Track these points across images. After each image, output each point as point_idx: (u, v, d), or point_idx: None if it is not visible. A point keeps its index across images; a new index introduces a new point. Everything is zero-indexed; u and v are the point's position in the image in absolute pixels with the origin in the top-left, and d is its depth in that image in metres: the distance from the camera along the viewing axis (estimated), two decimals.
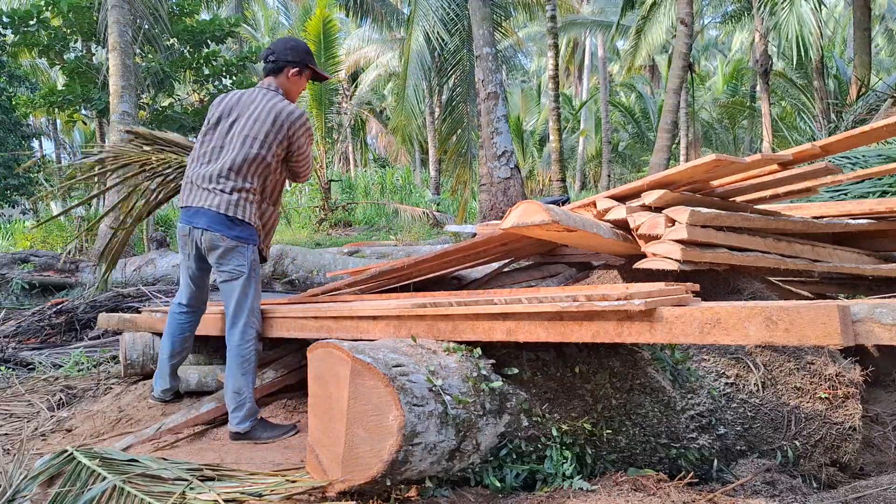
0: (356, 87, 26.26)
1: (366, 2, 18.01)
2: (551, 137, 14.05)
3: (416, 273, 3.43)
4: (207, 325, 3.36)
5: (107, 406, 3.60)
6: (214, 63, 14.33)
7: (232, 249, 2.87)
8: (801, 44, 11.24)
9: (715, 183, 2.92)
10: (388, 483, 1.79)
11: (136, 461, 2.10)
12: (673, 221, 2.45)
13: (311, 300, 3.48)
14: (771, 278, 3.38)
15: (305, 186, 18.07)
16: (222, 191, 2.86)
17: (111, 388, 3.97)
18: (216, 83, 14.87)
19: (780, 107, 21.99)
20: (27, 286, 7.32)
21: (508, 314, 1.98)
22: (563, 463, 2.02)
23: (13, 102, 15.34)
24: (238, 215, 2.86)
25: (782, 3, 11.60)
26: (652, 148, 15.51)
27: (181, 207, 2.98)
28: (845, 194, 5.21)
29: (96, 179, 3.88)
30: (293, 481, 1.88)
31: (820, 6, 11.59)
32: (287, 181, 3.21)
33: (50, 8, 12.63)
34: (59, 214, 14.83)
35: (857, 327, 1.50)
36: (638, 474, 2.05)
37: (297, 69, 3.12)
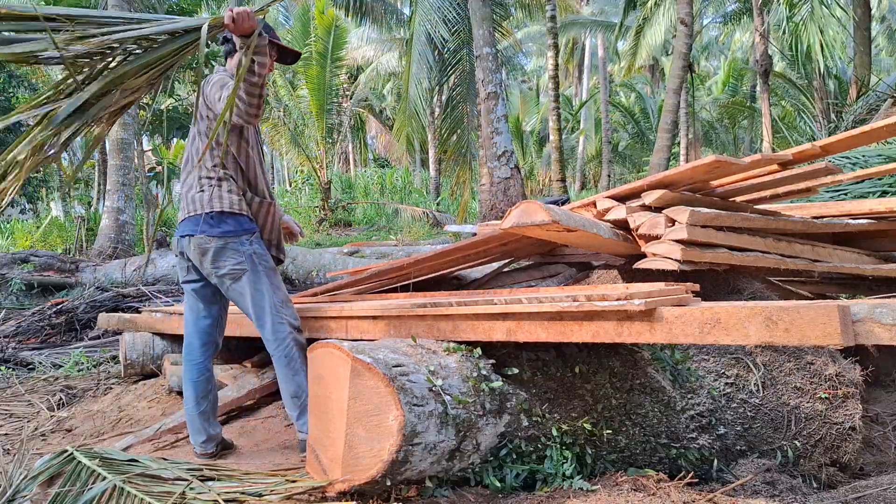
0: (356, 86, 26.26)
1: (365, 2, 18.00)
2: (551, 137, 14.05)
3: (416, 273, 3.43)
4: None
5: (107, 406, 3.60)
6: (215, 63, 14.33)
7: (223, 248, 2.52)
8: (822, 48, 11.16)
9: (715, 183, 2.92)
10: (388, 483, 1.79)
11: (136, 461, 2.10)
12: (673, 221, 2.45)
13: (311, 300, 3.48)
14: (771, 278, 3.38)
15: (305, 187, 18.07)
16: (189, 190, 2.59)
17: (111, 388, 3.97)
18: None
19: (781, 107, 22.00)
20: (27, 286, 7.31)
21: (508, 314, 1.98)
22: (563, 463, 2.02)
23: (13, 103, 15.34)
24: (216, 208, 2.52)
25: (801, 6, 11.53)
26: (652, 148, 15.52)
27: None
28: (845, 194, 5.21)
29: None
30: (293, 481, 1.89)
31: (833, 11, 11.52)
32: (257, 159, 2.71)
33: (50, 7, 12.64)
34: None
35: (857, 327, 1.50)
36: (638, 474, 2.05)
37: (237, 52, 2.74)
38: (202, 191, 2.55)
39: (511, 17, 19.63)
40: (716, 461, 2.30)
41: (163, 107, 15.05)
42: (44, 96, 2.19)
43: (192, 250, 2.54)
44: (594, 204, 2.76)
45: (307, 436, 2.27)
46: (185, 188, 2.64)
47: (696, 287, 2.02)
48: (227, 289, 2.57)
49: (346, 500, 1.78)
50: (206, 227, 2.51)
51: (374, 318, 2.43)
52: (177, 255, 2.68)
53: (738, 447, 2.38)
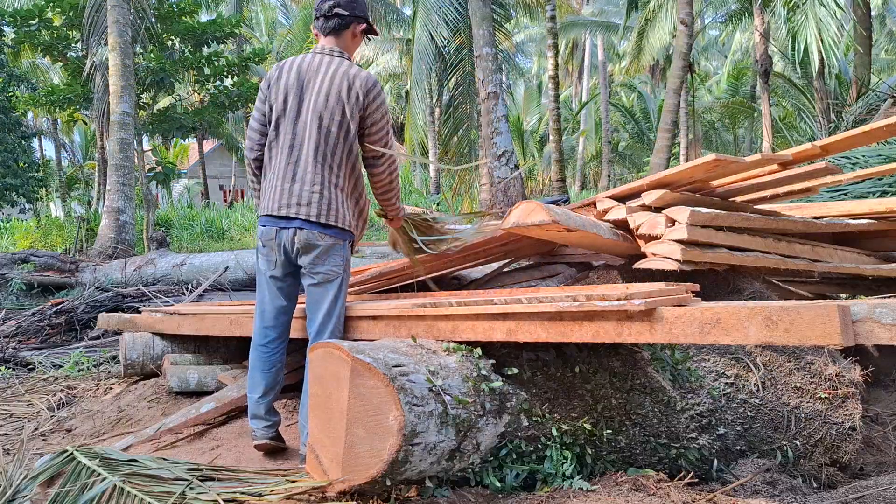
0: None
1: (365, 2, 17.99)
2: (551, 137, 14.06)
3: (417, 273, 3.43)
4: (209, 326, 3.36)
5: (107, 406, 3.60)
6: (216, 63, 14.33)
7: (330, 248, 2.46)
8: (821, 49, 11.15)
9: (715, 183, 2.92)
10: (388, 483, 1.79)
11: (136, 461, 2.10)
12: (673, 221, 2.45)
13: None
14: (771, 278, 3.39)
15: None
16: (311, 192, 2.44)
17: (111, 388, 3.97)
18: (217, 83, 14.86)
19: (781, 107, 22.00)
20: (27, 286, 7.31)
21: (508, 314, 1.98)
22: (563, 463, 2.02)
23: (13, 102, 15.35)
24: (331, 221, 2.44)
25: (801, 5, 11.51)
26: (652, 148, 15.52)
27: (265, 215, 2.52)
28: (845, 194, 5.21)
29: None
30: (293, 481, 1.89)
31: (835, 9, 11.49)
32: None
33: (51, 6, 12.65)
34: None
35: (857, 327, 1.50)
36: (638, 474, 2.05)
37: (364, 25, 2.61)
38: (322, 193, 2.45)
39: (513, 20, 19.62)
40: (716, 461, 2.30)
41: (163, 106, 15.06)
42: None
43: (297, 242, 2.44)
44: (594, 204, 2.77)
45: None
46: (298, 180, 2.46)
47: (696, 287, 2.02)
48: (314, 286, 2.49)
49: (346, 500, 1.78)
50: (319, 225, 2.44)
51: (374, 318, 2.43)
52: (264, 246, 2.52)
53: (738, 447, 2.38)
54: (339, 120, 2.45)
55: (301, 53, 2.78)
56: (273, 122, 2.52)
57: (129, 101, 10.37)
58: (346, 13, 2.53)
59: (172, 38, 13.98)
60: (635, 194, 2.66)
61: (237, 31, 14.94)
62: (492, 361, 2.09)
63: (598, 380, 2.23)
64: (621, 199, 2.70)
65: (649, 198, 2.54)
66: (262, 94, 2.58)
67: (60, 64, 14.59)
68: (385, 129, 2.56)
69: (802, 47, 11.47)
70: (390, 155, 2.59)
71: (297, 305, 2.71)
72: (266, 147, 2.56)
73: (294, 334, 2.77)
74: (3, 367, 4.61)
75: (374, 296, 3.39)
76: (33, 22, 12.78)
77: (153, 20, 12.20)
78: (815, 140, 4.46)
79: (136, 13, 11.61)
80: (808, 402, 2.51)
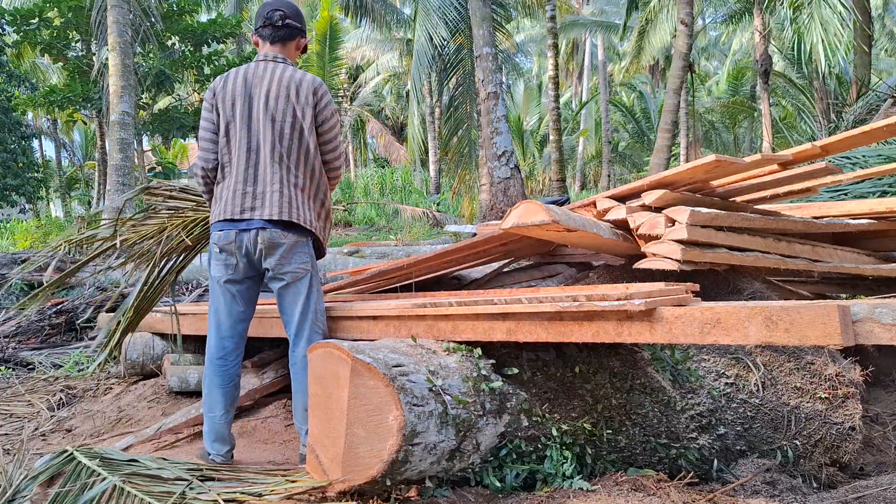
0: (356, 87, 26.27)
1: (365, 1, 18.00)
2: (551, 137, 14.06)
3: (417, 273, 3.43)
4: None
5: (107, 406, 3.60)
6: (217, 63, 14.34)
7: (294, 246, 2.46)
8: (824, 49, 11.13)
9: (715, 183, 2.92)
10: (388, 483, 1.79)
11: (136, 461, 2.10)
12: (673, 221, 2.45)
13: None
14: (771, 278, 3.38)
15: None
16: (271, 192, 2.45)
17: (111, 388, 3.97)
18: None
19: (781, 107, 22.00)
20: (27, 286, 7.31)
21: (508, 314, 1.98)
22: (563, 463, 2.02)
23: (12, 102, 15.36)
24: (293, 219, 2.45)
25: (806, 5, 11.49)
26: (652, 148, 15.52)
27: (223, 220, 2.49)
28: (845, 194, 5.21)
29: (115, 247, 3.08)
30: (293, 481, 1.89)
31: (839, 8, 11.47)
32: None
33: (50, 5, 12.67)
34: None
35: (857, 327, 1.50)
36: (638, 474, 2.05)
37: (305, 40, 2.72)
38: (282, 193, 2.46)
39: (513, 20, 19.63)
40: (716, 461, 2.30)
41: (163, 106, 15.06)
42: None
43: (259, 243, 2.43)
44: (594, 204, 2.76)
45: None
46: (258, 182, 2.47)
47: (696, 287, 2.02)
48: (284, 287, 2.48)
49: (347, 500, 1.78)
50: (281, 224, 2.45)
51: (374, 318, 2.43)
52: (220, 252, 2.49)
53: (738, 447, 2.39)
54: (292, 121, 2.49)
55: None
56: (223, 129, 2.53)
57: (129, 101, 10.37)
58: (298, 25, 2.64)
59: (172, 37, 13.99)
60: (635, 194, 2.66)
61: (237, 30, 14.95)
62: (492, 361, 2.09)
63: (598, 380, 2.23)
64: (621, 199, 2.70)
65: (649, 198, 2.54)
66: (209, 104, 2.59)
67: (60, 64, 14.60)
68: (335, 131, 2.62)
69: (808, 48, 11.46)
70: (341, 155, 2.69)
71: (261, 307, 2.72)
72: (218, 154, 2.56)
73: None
74: (3, 367, 4.62)
75: (374, 296, 3.39)
76: (33, 21, 12.79)
77: (159, 19, 12.19)
78: (815, 140, 4.46)
79: (142, 12, 11.61)
80: (808, 402, 2.51)
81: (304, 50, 2.76)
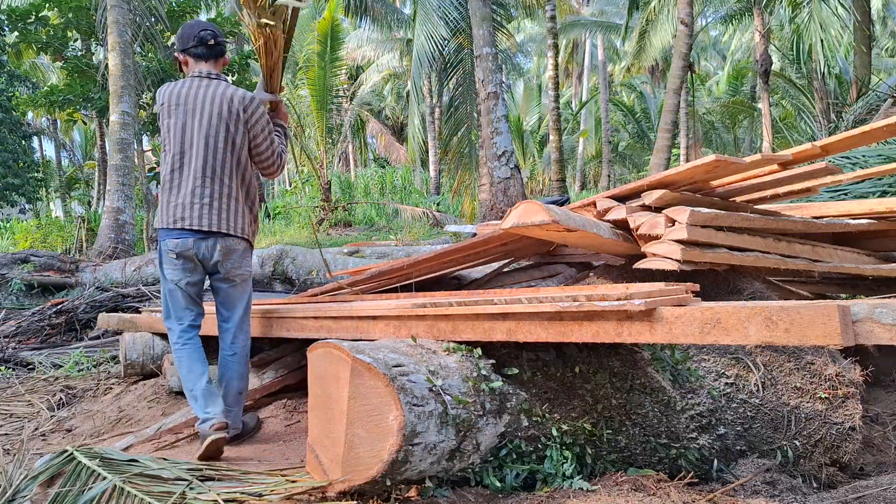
0: (356, 87, 26.27)
1: (365, 1, 18.00)
2: (551, 137, 14.07)
3: (416, 273, 3.43)
4: (208, 326, 3.36)
5: (107, 406, 3.60)
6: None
7: (244, 251, 2.84)
8: (824, 48, 11.12)
9: (715, 183, 2.92)
10: (388, 483, 1.79)
11: (136, 461, 2.10)
12: (673, 221, 2.45)
13: (311, 300, 3.48)
14: (771, 278, 3.38)
15: (306, 187, 18.09)
16: (213, 199, 2.72)
17: (111, 388, 3.97)
18: None
19: (781, 107, 22.00)
20: (27, 286, 7.31)
21: (508, 314, 1.98)
22: (563, 463, 2.02)
23: (13, 102, 15.35)
24: (239, 230, 2.78)
25: (805, 4, 11.48)
26: (652, 148, 15.52)
27: (181, 229, 2.71)
28: (845, 194, 5.21)
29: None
30: (293, 481, 1.89)
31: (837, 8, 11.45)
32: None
33: (49, 4, 12.66)
34: None
35: (857, 327, 1.50)
36: (638, 474, 2.05)
37: (228, 57, 3.05)
38: (230, 202, 2.76)
39: (513, 20, 19.62)
40: (716, 461, 2.30)
41: None
42: None
43: (217, 250, 2.73)
44: (594, 204, 2.76)
45: (239, 429, 2.79)
46: (207, 195, 2.72)
47: (696, 287, 2.02)
48: (230, 287, 2.83)
49: (346, 500, 1.78)
50: (233, 234, 2.77)
51: (374, 318, 2.43)
52: (178, 258, 2.75)
53: (738, 447, 2.38)
54: (224, 135, 2.74)
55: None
56: (171, 143, 2.77)
57: (129, 101, 10.37)
58: (225, 42, 2.92)
59: (173, 37, 14.00)
60: (635, 194, 2.66)
61: (237, 30, 14.95)
62: (492, 361, 2.09)
63: (598, 380, 2.23)
64: (621, 199, 2.70)
65: (649, 198, 2.54)
66: (159, 118, 2.86)
67: (60, 64, 14.59)
68: (267, 141, 2.87)
69: (807, 47, 11.46)
70: (278, 157, 2.94)
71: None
72: (164, 163, 2.81)
73: (293, 335, 2.82)
74: (3, 367, 4.62)
75: (374, 296, 3.39)
76: (31, 20, 12.79)
77: (163, 18, 12.18)
78: (815, 140, 4.46)
79: (145, 11, 11.59)
80: (808, 402, 2.51)
81: (226, 64, 2.99)
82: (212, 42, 2.80)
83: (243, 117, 2.77)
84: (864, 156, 5.80)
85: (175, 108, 2.74)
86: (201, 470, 2.04)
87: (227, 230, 2.74)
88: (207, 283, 2.94)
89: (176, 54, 2.91)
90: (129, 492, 1.88)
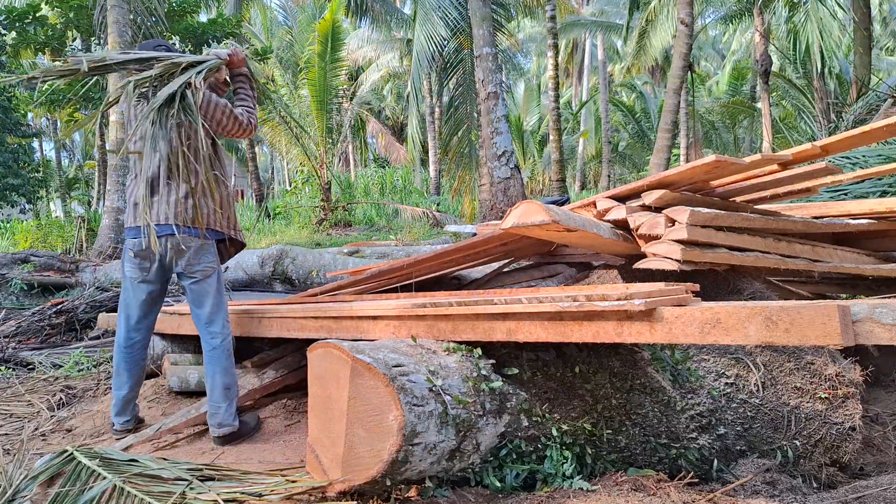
0: (356, 87, 26.27)
1: (365, 2, 18.00)
2: (551, 138, 14.06)
3: (416, 273, 3.43)
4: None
5: (107, 406, 3.59)
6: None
7: (200, 248, 2.84)
8: (821, 49, 11.12)
9: (715, 183, 2.92)
10: (388, 483, 1.79)
11: (136, 461, 2.10)
12: (673, 221, 2.45)
13: (311, 300, 3.48)
14: (771, 278, 3.38)
15: (305, 187, 18.09)
16: (175, 201, 2.78)
17: (111, 388, 3.96)
18: None
19: (781, 107, 22.00)
20: (27, 286, 7.31)
21: (508, 314, 1.98)
22: (563, 463, 2.02)
23: (13, 102, 15.34)
24: (196, 224, 2.81)
25: (802, 4, 11.48)
26: (652, 148, 15.52)
27: (135, 227, 2.83)
28: (845, 194, 5.21)
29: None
30: (293, 481, 1.89)
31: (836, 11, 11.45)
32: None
33: (49, 5, 12.65)
34: None
35: (857, 327, 1.50)
36: (638, 474, 2.05)
37: None
38: (186, 197, 2.79)
39: (513, 20, 19.62)
40: (716, 461, 2.30)
41: None
42: None
43: (170, 248, 2.79)
44: (594, 204, 2.77)
45: (232, 424, 2.77)
46: (158, 196, 2.79)
47: (696, 287, 2.02)
48: (193, 284, 2.86)
49: (346, 500, 1.78)
50: (187, 229, 2.80)
51: (374, 318, 2.43)
52: (135, 256, 2.85)
53: (738, 447, 2.38)
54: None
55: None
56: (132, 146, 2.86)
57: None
58: None
59: (173, 37, 13.98)
60: (635, 194, 2.66)
61: (237, 30, 14.95)
62: (492, 361, 2.09)
63: (598, 380, 2.23)
64: (621, 199, 2.70)
65: (649, 198, 2.54)
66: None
67: (58, 63, 14.58)
68: (222, 113, 2.92)
69: (804, 47, 11.47)
70: (247, 123, 3.01)
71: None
72: (130, 173, 2.95)
73: (293, 335, 2.82)
74: (3, 367, 4.61)
75: (374, 296, 3.39)
76: (28, 20, 12.77)
77: (163, 18, 12.17)
78: (815, 140, 4.46)
79: (145, 11, 11.59)
80: (808, 402, 2.51)
81: None
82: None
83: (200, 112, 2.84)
84: (864, 156, 5.80)
85: (136, 118, 2.88)
86: (201, 470, 2.04)
87: (174, 223, 2.76)
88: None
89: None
90: (128, 492, 1.88)
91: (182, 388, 3.48)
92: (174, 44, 14.93)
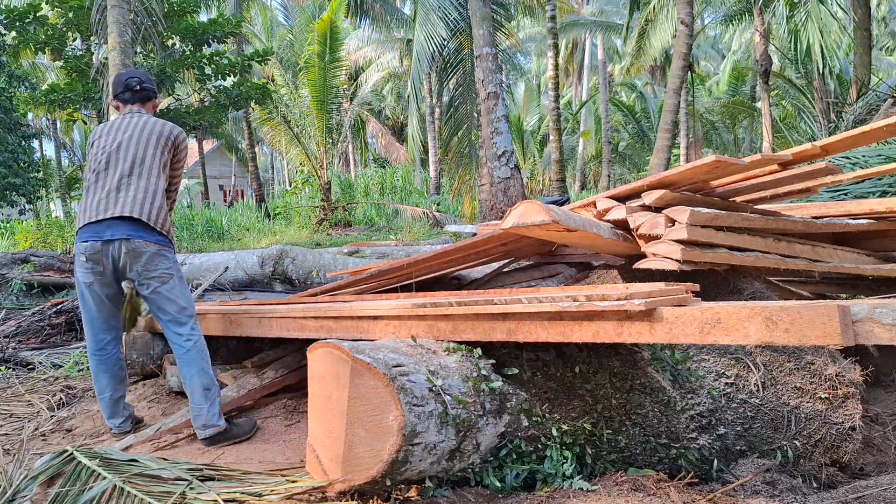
0: (356, 87, 26.28)
1: (365, 2, 18.00)
2: (551, 137, 14.07)
3: (416, 273, 3.43)
4: (209, 326, 3.36)
5: None
6: (218, 62, 14.32)
7: (156, 254, 2.79)
8: (821, 49, 11.12)
9: (715, 183, 2.92)
10: (388, 483, 1.79)
11: (136, 461, 2.10)
12: (673, 221, 2.45)
13: (311, 300, 3.48)
14: (771, 278, 3.39)
15: (305, 187, 18.10)
16: (128, 195, 2.79)
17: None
18: (217, 83, 14.87)
19: (781, 107, 22.00)
20: (27, 286, 7.31)
21: (508, 314, 1.98)
22: (563, 463, 2.02)
23: (13, 102, 15.34)
24: (156, 225, 2.80)
25: (802, 5, 11.48)
26: (652, 148, 15.52)
27: (82, 227, 2.81)
28: (845, 194, 5.22)
29: None
30: (293, 481, 1.89)
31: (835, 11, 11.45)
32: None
33: (49, 4, 12.65)
34: None
35: (857, 327, 1.50)
36: (638, 474, 2.05)
37: (158, 101, 3.28)
38: (144, 196, 2.82)
39: (514, 20, 19.61)
40: (716, 461, 2.30)
41: (163, 106, 15.05)
42: None
43: (124, 253, 2.75)
44: (594, 204, 2.77)
45: (217, 425, 2.75)
46: (122, 193, 2.82)
47: (696, 287, 2.02)
48: (152, 290, 2.82)
49: (346, 500, 1.78)
50: (143, 233, 2.78)
51: (374, 318, 2.43)
52: (87, 261, 2.79)
53: (738, 447, 2.38)
54: (153, 153, 2.91)
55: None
56: (92, 163, 2.93)
57: None
58: (152, 87, 3.15)
59: (173, 37, 13.98)
60: (635, 194, 2.66)
61: (238, 30, 14.94)
62: (492, 361, 2.09)
63: (598, 380, 2.23)
64: (621, 199, 2.70)
65: (649, 198, 2.54)
66: (90, 144, 3.05)
67: (59, 63, 14.58)
68: (181, 170, 3.13)
69: (804, 47, 11.47)
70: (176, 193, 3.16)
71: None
72: (87, 183, 2.96)
73: (293, 335, 2.81)
74: (3, 367, 4.61)
75: (374, 296, 3.39)
76: (28, 20, 12.77)
77: (162, 18, 12.17)
78: (815, 140, 4.46)
79: (143, 11, 11.59)
80: (808, 402, 2.51)
81: (156, 109, 3.22)
82: (137, 88, 3.07)
83: (172, 143, 2.99)
84: (864, 156, 5.80)
85: (106, 134, 2.96)
86: (201, 470, 2.04)
87: (130, 228, 2.75)
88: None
89: (110, 100, 3.13)
90: (128, 492, 1.88)
91: (182, 388, 3.48)
92: (174, 44, 14.91)
